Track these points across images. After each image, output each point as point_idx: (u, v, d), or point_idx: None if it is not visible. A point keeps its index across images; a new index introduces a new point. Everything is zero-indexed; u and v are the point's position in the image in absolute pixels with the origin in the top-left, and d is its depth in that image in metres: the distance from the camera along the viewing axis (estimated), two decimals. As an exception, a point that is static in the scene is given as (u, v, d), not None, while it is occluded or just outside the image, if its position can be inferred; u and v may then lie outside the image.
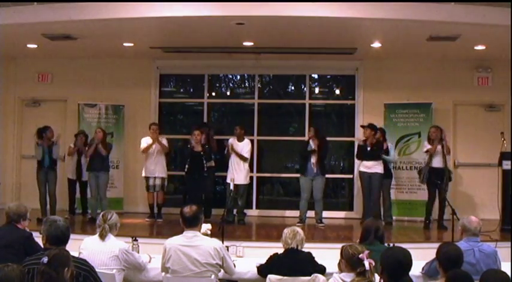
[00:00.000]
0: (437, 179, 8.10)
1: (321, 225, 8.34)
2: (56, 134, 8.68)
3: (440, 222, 8.20)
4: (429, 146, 8.29)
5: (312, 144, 8.43)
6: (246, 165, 8.65)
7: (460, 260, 3.82)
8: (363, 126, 8.69)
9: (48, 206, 8.43)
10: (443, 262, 3.78)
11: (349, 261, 3.74)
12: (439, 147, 8.25)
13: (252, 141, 9.63)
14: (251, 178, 9.60)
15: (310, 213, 8.60)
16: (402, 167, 9.11)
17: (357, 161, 9.02)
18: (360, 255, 3.66)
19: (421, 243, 6.90)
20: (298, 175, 8.79)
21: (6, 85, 9.99)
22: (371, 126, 8.50)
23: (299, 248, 4.66)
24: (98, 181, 8.44)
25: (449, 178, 8.29)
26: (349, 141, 9.88)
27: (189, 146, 8.40)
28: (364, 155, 8.51)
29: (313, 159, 8.36)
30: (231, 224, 8.17)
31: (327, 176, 8.80)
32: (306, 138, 9.30)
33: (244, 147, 8.65)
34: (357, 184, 9.31)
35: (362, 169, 8.52)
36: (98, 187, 8.44)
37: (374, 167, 8.41)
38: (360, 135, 9.28)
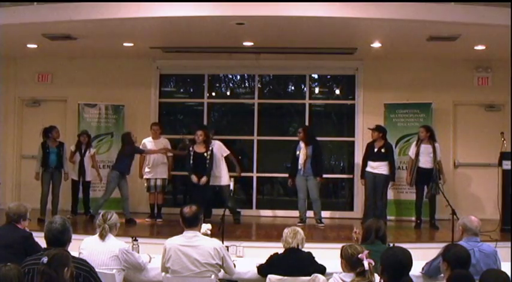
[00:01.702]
0: (424, 179, 8.22)
1: (320, 225, 8.34)
2: (61, 133, 8.75)
3: (432, 221, 8.24)
4: (412, 154, 8.39)
5: (301, 146, 8.44)
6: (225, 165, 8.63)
7: (469, 260, 3.84)
8: (371, 129, 8.67)
9: (48, 206, 8.43)
10: (452, 262, 3.76)
11: (348, 261, 3.75)
12: (428, 146, 8.28)
13: (252, 141, 9.66)
14: (251, 178, 9.63)
15: (311, 213, 8.60)
16: (402, 167, 9.11)
17: (356, 160, 9.07)
18: (360, 255, 3.66)
19: (421, 243, 6.90)
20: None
21: (6, 85, 9.99)
22: (378, 128, 8.52)
23: (299, 247, 4.67)
24: (121, 182, 8.45)
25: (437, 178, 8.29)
26: (349, 141, 9.88)
27: (191, 148, 8.38)
28: (370, 156, 8.52)
29: (300, 160, 8.37)
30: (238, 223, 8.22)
31: (325, 176, 8.79)
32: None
33: (221, 149, 8.61)
34: (357, 184, 9.32)
35: (368, 169, 8.53)
36: (122, 189, 8.45)
37: (379, 167, 8.42)
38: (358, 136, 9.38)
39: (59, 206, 8.64)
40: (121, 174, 8.38)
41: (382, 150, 8.46)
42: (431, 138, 8.40)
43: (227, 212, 8.53)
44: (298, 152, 8.45)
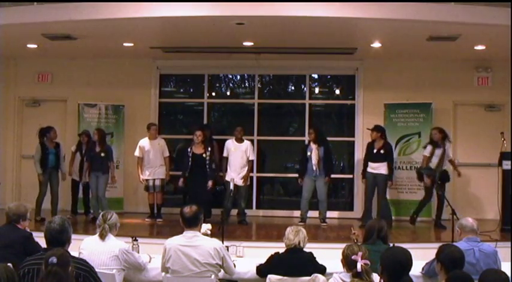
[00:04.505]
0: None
1: (323, 224, 8.36)
2: (59, 133, 8.77)
3: (438, 221, 8.23)
4: (427, 153, 8.33)
5: (312, 147, 8.44)
6: (247, 166, 8.62)
7: (463, 261, 3.83)
8: (370, 129, 8.66)
9: (47, 206, 8.42)
10: (446, 263, 3.75)
11: (346, 262, 3.76)
12: (440, 148, 8.28)
13: (252, 141, 9.63)
14: (251, 178, 9.61)
15: (311, 213, 8.61)
16: (402, 167, 9.11)
17: (356, 160, 9.08)
18: (353, 257, 3.66)
19: (421, 243, 6.90)
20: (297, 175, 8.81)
21: (6, 85, 10.00)
22: (377, 128, 8.51)
23: (301, 245, 4.66)
24: (97, 181, 8.45)
25: (443, 179, 8.27)
26: (349, 141, 9.88)
27: (189, 148, 8.37)
28: (370, 156, 8.53)
29: (314, 160, 8.37)
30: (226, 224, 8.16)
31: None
32: (305, 138, 9.32)
33: (249, 149, 8.61)
34: (357, 184, 9.33)
35: (368, 170, 8.51)
36: (97, 187, 8.45)
37: (379, 168, 8.40)
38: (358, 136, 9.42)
39: (59, 206, 8.63)
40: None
41: (381, 151, 8.43)
42: (444, 140, 8.35)
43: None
44: (309, 153, 8.44)
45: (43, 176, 8.38)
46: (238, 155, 8.53)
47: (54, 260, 3.09)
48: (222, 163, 8.69)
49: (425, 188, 8.42)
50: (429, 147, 8.37)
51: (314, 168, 8.37)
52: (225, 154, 8.62)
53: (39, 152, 8.38)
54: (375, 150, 8.47)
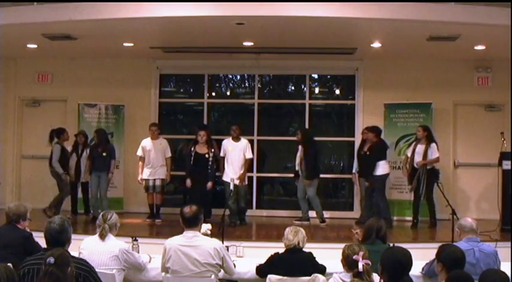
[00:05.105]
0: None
1: (322, 224, 8.37)
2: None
3: (432, 220, 8.24)
4: (409, 152, 8.42)
5: (299, 148, 8.52)
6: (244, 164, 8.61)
7: (464, 261, 3.82)
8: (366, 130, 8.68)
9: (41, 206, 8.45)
10: (447, 263, 3.74)
11: (346, 262, 3.77)
12: (422, 147, 8.26)
13: (252, 141, 9.63)
14: (251, 178, 9.61)
15: (311, 214, 8.63)
16: (402, 167, 9.09)
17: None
18: (354, 257, 3.66)
19: (421, 243, 6.90)
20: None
21: (6, 85, 10.00)
22: (372, 129, 8.50)
23: (300, 245, 4.66)
24: (99, 181, 8.44)
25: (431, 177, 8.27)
26: (349, 141, 9.88)
27: (192, 148, 8.35)
28: (358, 158, 8.58)
29: (297, 161, 8.53)
30: (234, 225, 8.15)
31: (325, 176, 8.79)
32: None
33: (247, 147, 8.58)
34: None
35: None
36: (99, 187, 8.44)
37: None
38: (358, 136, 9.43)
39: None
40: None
41: (368, 152, 8.45)
42: (428, 139, 8.36)
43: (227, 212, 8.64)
44: (297, 154, 8.54)
45: (63, 176, 8.43)
46: (236, 154, 8.46)
47: (51, 260, 3.09)
48: (220, 163, 8.69)
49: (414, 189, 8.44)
50: (412, 146, 8.44)
51: (297, 168, 8.50)
52: (221, 154, 8.56)
53: (58, 153, 8.40)
54: (362, 152, 8.57)
